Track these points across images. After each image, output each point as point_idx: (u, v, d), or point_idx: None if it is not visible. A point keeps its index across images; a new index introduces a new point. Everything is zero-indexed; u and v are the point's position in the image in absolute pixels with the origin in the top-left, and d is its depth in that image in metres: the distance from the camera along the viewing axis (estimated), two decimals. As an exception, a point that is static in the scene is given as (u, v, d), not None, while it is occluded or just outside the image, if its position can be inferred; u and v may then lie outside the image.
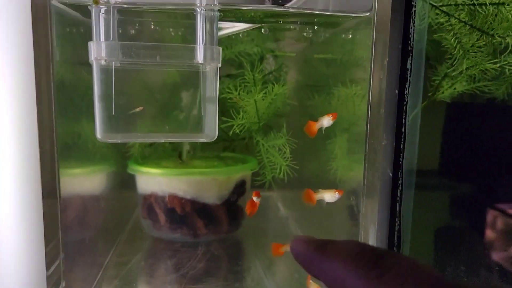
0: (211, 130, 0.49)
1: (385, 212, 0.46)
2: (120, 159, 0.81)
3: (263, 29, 0.62)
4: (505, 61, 0.55)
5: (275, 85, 0.71)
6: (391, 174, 0.45)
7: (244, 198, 0.81)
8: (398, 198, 0.46)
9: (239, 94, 0.70)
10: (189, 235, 0.75)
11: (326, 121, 0.57)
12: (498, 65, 0.54)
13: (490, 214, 0.63)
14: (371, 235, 0.47)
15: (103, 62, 0.45)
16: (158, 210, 0.75)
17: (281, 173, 0.72)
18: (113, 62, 0.45)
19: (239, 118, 0.72)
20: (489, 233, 0.64)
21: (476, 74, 0.56)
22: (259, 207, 1.00)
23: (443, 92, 0.63)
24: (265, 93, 0.69)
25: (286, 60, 0.82)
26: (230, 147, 0.93)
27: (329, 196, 0.52)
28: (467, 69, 0.52)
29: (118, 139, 0.47)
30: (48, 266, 0.49)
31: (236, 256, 0.73)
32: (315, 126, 0.58)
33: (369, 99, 0.45)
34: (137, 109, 0.47)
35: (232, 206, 0.79)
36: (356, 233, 0.72)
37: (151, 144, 0.83)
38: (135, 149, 0.79)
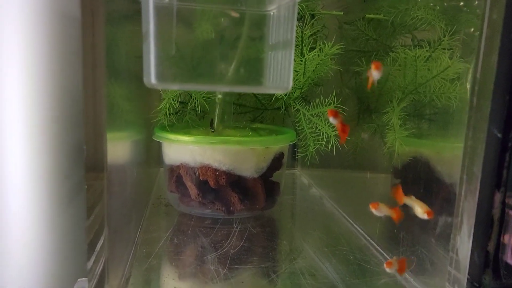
0: (284, 80, 0.41)
1: (488, 181, 0.39)
2: (141, 127, 0.73)
3: None
4: None
5: (326, 44, 0.63)
6: (499, 135, 0.38)
7: (281, 173, 0.73)
8: (506, 163, 0.39)
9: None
10: (222, 211, 0.68)
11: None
12: None
13: None
14: (468, 207, 0.40)
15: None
16: (189, 182, 0.67)
17: (330, 144, 0.65)
18: (175, -11, 0.36)
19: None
20: None
21: None
22: (289, 184, 0.93)
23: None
24: (320, 49, 0.61)
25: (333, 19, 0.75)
26: (259, 118, 0.85)
27: (419, 211, 0.43)
28: None
29: (175, 85, 0.39)
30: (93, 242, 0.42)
31: (278, 235, 0.66)
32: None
33: (480, 44, 0.38)
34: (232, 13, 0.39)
35: (269, 181, 0.72)
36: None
37: (176, 112, 0.75)
38: (161, 115, 0.71)
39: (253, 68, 0.42)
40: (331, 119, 0.48)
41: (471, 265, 0.41)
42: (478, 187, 0.40)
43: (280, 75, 0.41)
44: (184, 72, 0.40)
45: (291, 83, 0.40)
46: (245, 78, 0.42)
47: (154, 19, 0.37)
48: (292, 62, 0.40)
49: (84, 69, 0.41)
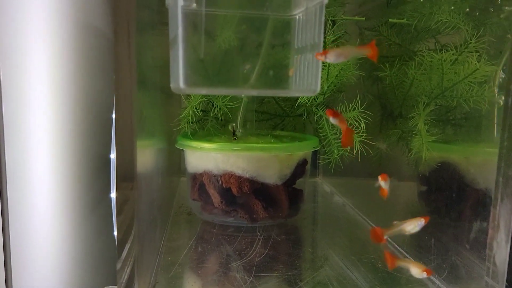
0: (312, 83, 0.40)
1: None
2: (163, 135, 0.73)
3: None
4: None
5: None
6: (537, 137, 0.37)
7: (304, 180, 0.72)
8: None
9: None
10: (245, 219, 0.67)
11: None
12: None
13: None
14: (505, 210, 0.39)
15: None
16: (212, 190, 0.67)
17: (355, 150, 0.64)
18: (203, -6, 0.36)
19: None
20: None
21: None
22: (311, 192, 0.92)
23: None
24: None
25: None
26: (280, 125, 0.85)
27: (416, 271, 0.43)
28: None
29: (203, 89, 0.39)
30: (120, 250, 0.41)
31: (303, 243, 0.65)
32: None
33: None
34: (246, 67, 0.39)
35: (292, 188, 0.71)
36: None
37: (198, 120, 0.75)
38: (184, 123, 0.71)
39: (280, 72, 0.42)
40: (331, 119, 0.44)
41: (510, 271, 0.39)
42: (516, 191, 0.38)
43: (308, 78, 0.41)
44: (212, 77, 0.40)
45: (319, 86, 0.40)
46: (272, 81, 0.42)
47: (182, 24, 0.37)
48: (320, 65, 0.40)
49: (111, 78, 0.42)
